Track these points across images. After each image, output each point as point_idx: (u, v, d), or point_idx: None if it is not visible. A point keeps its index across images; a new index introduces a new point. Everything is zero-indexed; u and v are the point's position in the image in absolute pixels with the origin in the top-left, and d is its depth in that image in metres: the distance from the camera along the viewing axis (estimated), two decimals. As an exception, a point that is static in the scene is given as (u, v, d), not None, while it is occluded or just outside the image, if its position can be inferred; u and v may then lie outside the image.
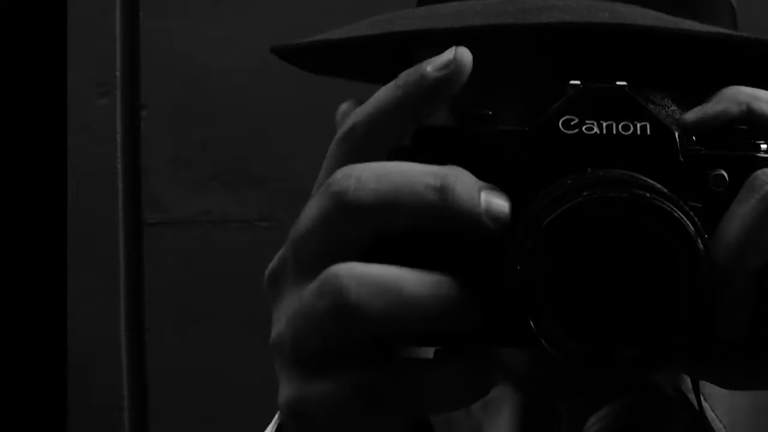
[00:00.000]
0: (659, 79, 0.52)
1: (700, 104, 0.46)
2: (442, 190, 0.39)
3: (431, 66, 0.40)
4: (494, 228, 0.40)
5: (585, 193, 0.38)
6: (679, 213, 0.38)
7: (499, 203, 0.40)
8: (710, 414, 0.59)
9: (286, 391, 0.42)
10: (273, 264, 0.43)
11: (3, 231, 1.64)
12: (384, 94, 0.41)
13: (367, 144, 0.41)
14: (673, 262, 0.39)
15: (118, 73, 1.59)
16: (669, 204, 0.38)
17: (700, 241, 0.39)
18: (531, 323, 0.39)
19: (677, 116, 0.52)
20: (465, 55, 0.41)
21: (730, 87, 0.45)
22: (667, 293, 0.39)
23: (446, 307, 0.39)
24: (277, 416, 0.48)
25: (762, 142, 0.43)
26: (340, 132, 0.42)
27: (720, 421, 0.59)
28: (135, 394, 1.60)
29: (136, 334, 1.60)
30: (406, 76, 0.41)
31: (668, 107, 0.52)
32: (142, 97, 1.59)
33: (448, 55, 0.40)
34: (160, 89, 1.59)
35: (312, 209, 0.40)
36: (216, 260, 1.57)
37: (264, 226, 1.56)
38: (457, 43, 0.43)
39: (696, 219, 0.39)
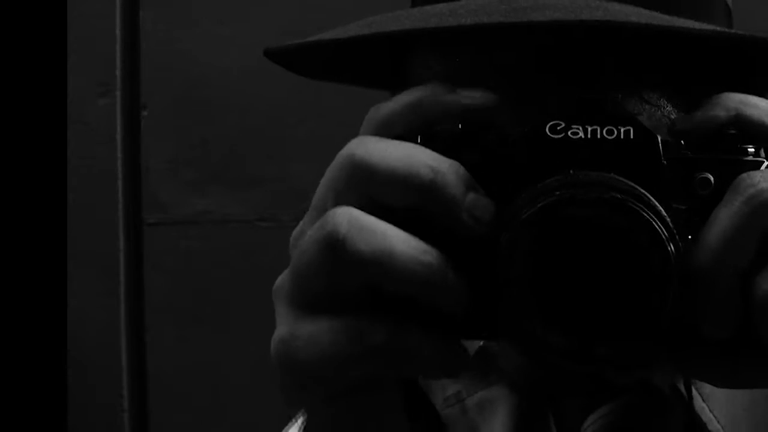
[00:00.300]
0: (654, 78, 0.52)
1: (695, 103, 0.46)
2: (435, 172, 0.41)
3: (466, 98, 0.44)
4: (473, 226, 0.42)
5: (557, 193, 0.40)
6: (650, 213, 0.40)
7: (484, 207, 0.42)
8: (708, 415, 0.59)
9: (277, 331, 0.44)
10: (297, 227, 0.46)
11: (3, 231, 1.64)
12: (414, 91, 0.45)
13: (388, 126, 0.45)
14: (645, 262, 0.40)
15: (118, 73, 1.59)
16: (640, 205, 0.40)
17: (670, 241, 0.40)
18: (511, 316, 0.41)
19: (673, 116, 0.52)
20: (491, 99, 0.45)
21: (720, 93, 0.46)
22: (640, 291, 0.41)
23: (430, 273, 0.41)
24: (302, 417, 0.49)
25: (749, 146, 0.43)
26: (369, 112, 0.46)
27: (718, 422, 0.59)
28: (135, 394, 1.60)
29: (136, 334, 1.60)
30: (435, 89, 0.45)
31: (664, 107, 0.52)
32: (142, 97, 1.59)
33: (482, 99, 0.45)
34: (160, 89, 1.58)
35: (330, 168, 0.44)
36: (216, 260, 1.57)
37: (264, 226, 1.56)
38: (452, 43, 0.45)
39: (669, 220, 0.41)
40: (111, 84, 1.58)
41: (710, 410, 0.59)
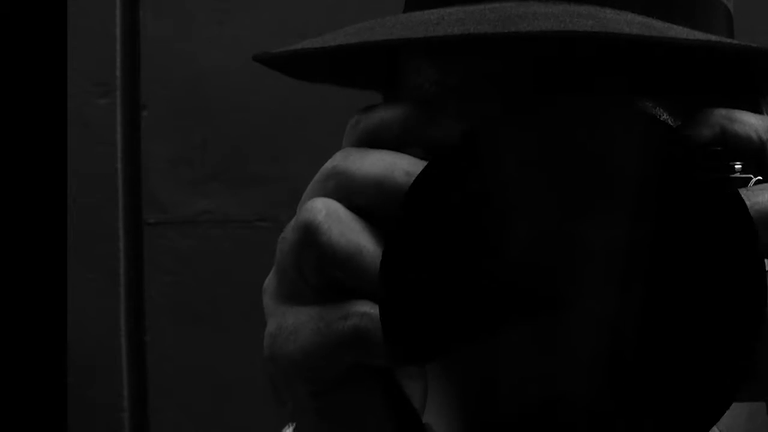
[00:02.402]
0: (649, 85, 0.51)
1: (693, 111, 0.46)
2: (412, 176, 0.41)
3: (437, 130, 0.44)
4: None
5: None
6: None
7: None
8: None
9: (267, 327, 0.44)
10: (283, 232, 0.46)
11: (3, 231, 1.64)
12: (391, 110, 0.45)
13: (367, 140, 0.45)
14: None
15: (118, 73, 1.59)
16: None
17: None
18: None
19: (669, 123, 0.52)
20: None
21: (704, 109, 0.46)
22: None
23: None
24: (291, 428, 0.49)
25: (737, 162, 0.43)
26: (350, 122, 0.46)
27: (715, 426, 0.59)
28: (135, 393, 1.60)
29: (136, 334, 1.60)
30: (409, 112, 0.45)
31: (660, 115, 0.52)
32: (142, 97, 1.59)
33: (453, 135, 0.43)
34: (160, 89, 1.58)
35: (313, 180, 0.44)
36: (216, 260, 1.57)
37: (264, 226, 1.56)
38: (440, 51, 0.44)
39: None
40: (111, 84, 1.58)
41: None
